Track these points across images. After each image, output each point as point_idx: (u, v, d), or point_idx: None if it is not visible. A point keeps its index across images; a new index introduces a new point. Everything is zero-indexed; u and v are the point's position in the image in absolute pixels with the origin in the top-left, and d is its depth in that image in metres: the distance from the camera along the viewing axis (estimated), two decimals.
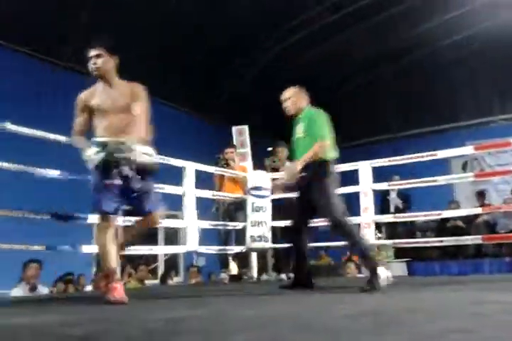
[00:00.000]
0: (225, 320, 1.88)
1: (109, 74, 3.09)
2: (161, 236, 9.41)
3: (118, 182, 2.80)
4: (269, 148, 6.09)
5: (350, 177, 5.39)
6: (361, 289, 3.12)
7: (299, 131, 3.72)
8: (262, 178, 5.74)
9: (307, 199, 3.63)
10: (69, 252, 4.14)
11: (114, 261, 2.76)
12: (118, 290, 2.66)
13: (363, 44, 10.08)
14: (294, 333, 1.49)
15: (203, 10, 8.44)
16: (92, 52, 3.06)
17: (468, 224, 7.34)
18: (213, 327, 1.70)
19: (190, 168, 5.07)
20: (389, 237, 6.86)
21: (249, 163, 6.45)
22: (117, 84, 3.11)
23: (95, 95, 3.06)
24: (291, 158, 6.12)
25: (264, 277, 5.74)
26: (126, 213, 3.07)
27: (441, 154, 4.93)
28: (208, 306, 2.47)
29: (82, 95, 3.12)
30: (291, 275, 5.90)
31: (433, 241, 5.54)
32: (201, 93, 9.59)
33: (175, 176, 5.16)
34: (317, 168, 3.56)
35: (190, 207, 5.02)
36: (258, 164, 6.32)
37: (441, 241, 5.21)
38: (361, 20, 9.53)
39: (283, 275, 5.56)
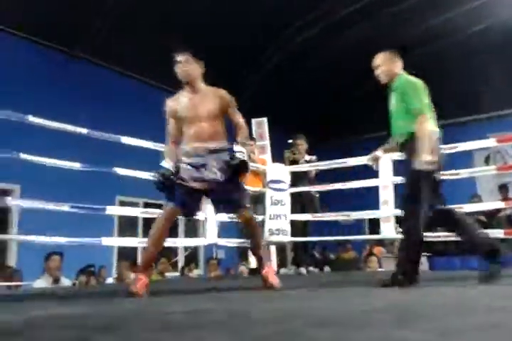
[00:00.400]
0: (243, 314, 1.88)
1: (196, 80, 3.14)
2: (181, 229, 9.47)
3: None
4: (290, 140, 6.07)
5: (371, 171, 5.35)
6: (382, 282, 3.06)
7: (393, 102, 3.33)
8: (280, 171, 5.73)
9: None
10: (91, 244, 4.19)
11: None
12: (139, 283, 2.69)
13: (377, 36, 9.95)
14: (313, 327, 1.49)
15: (218, 8, 8.45)
16: (180, 58, 3.10)
17: (490, 218, 7.23)
18: (231, 321, 1.70)
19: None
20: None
21: (268, 155, 6.44)
22: (202, 89, 3.15)
23: (180, 101, 3.12)
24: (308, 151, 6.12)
25: (283, 271, 5.74)
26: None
27: (463, 146, 4.85)
28: (226, 299, 2.48)
29: (169, 101, 3.18)
30: (311, 268, 5.92)
31: (454, 236, 5.45)
32: (220, 86, 9.59)
33: None
34: (412, 146, 3.07)
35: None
36: (277, 157, 6.31)
37: None
38: (374, 12, 9.43)
39: (302, 269, 5.56)
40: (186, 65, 3.08)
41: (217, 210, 3.31)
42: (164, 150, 3.23)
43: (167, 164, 2.99)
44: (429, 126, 3.11)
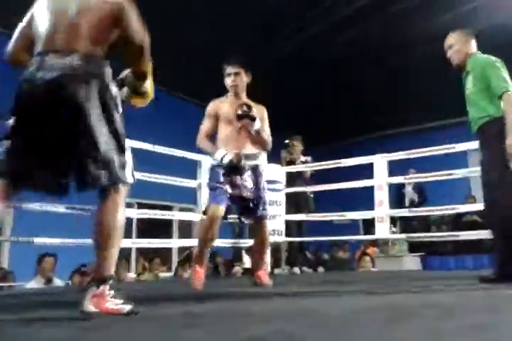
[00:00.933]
0: (237, 314, 1.88)
1: (242, 91, 3.41)
2: (175, 230, 9.46)
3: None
4: (287, 141, 6.08)
5: (369, 170, 5.36)
6: None
7: (469, 85, 3.09)
8: (276, 172, 5.73)
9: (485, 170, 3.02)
10: (84, 245, 4.17)
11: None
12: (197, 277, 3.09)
13: (380, 33, 9.97)
14: (306, 327, 1.48)
15: (214, 8, 8.44)
16: (231, 70, 3.31)
17: (485, 219, 7.25)
18: (225, 321, 1.70)
19: (206, 161, 5.09)
20: (403, 231, 6.81)
21: (264, 156, 6.43)
22: (245, 99, 3.40)
23: (225, 105, 3.31)
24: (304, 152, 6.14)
25: (278, 271, 5.74)
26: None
27: (459, 147, 4.87)
28: (220, 300, 2.48)
29: (213, 103, 3.38)
30: (305, 268, 5.92)
31: (448, 236, 5.49)
32: (215, 88, 9.58)
33: (190, 170, 5.18)
34: (494, 130, 2.85)
35: (204, 200, 5.02)
36: (272, 157, 6.31)
37: (457, 236, 5.16)
38: (372, 13, 9.45)
39: (296, 269, 5.56)
40: (237, 79, 3.30)
41: (240, 218, 3.38)
42: (206, 146, 3.31)
43: (223, 152, 3.13)
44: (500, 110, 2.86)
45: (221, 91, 3.54)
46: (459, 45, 3.15)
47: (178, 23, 8.05)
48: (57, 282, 5.24)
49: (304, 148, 6.13)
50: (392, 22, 9.58)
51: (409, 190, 7.86)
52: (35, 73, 1.78)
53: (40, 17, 1.92)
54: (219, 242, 5.32)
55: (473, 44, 3.19)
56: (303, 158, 6.00)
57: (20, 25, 2.01)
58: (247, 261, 6.28)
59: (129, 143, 4.40)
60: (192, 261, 3.22)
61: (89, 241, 4.03)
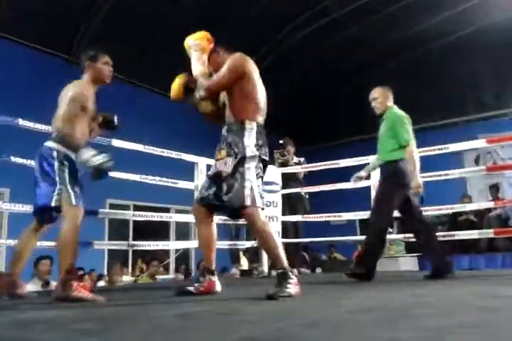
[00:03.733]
0: (232, 315, 1.88)
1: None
2: (172, 232, 9.46)
3: None
4: (281, 141, 6.09)
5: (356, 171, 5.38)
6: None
7: (382, 130, 3.90)
8: (272, 173, 5.73)
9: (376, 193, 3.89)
10: (81, 248, 4.16)
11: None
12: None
13: (367, 39, 10.01)
14: (301, 328, 1.49)
15: (213, 10, 8.47)
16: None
17: (481, 218, 7.28)
18: (220, 322, 1.70)
19: (203, 163, 5.10)
20: (400, 231, 6.82)
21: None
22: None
23: None
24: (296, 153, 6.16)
25: (275, 272, 5.74)
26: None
27: (453, 147, 4.88)
28: (216, 301, 2.48)
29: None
30: (302, 270, 5.93)
31: (444, 236, 5.50)
32: None
33: (187, 171, 5.19)
34: (389, 169, 3.78)
35: None
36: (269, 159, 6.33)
37: (453, 236, 5.17)
38: (365, 15, 9.50)
39: (294, 271, 5.56)
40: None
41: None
42: None
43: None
44: (399, 154, 3.75)
45: None
46: (382, 99, 3.97)
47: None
48: (54, 285, 5.23)
49: (295, 149, 6.15)
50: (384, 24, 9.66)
51: None
52: None
53: None
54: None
55: (391, 98, 4.01)
56: (296, 159, 6.02)
57: None
58: (244, 263, 6.28)
59: (124, 145, 4.42)
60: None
61: (84, 243, 4.06)
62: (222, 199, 2.65)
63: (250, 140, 2.66)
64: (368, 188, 5.13)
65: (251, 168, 2.64)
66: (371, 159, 5.17)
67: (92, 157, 2.69)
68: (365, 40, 10.01)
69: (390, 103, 3.97)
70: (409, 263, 6.84)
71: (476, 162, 10.43)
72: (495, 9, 9.31)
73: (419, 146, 5.11)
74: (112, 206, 8.26)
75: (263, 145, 2.74)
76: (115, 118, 3.11)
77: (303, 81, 10.64)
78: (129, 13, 7.85)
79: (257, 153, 2.67)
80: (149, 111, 8.79)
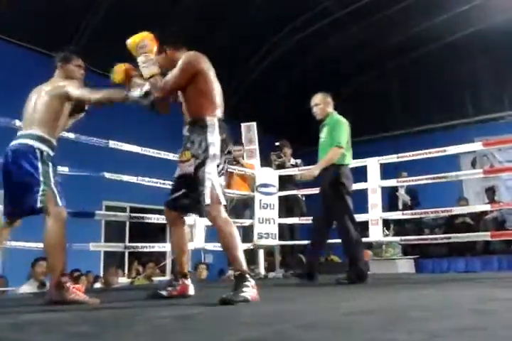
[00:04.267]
0: (230, 318, 1.88)
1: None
2: (168, 234, 9.43)
3: None
4: (277, 143, 6.09)
5: (359, 174, 5.38)
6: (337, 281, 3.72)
7: (323, 135, 4.05)
8: (269, 175, 5.73)
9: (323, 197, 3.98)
10: (77, 250, 4.15)
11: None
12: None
13: (367, 40, 10.03)
14: (300, 330, 1.49)
15: (213, 10, 8.48)
16: None
17: (477, 221, 7.29)
18: (218, 325, 1.70)
19: None
20: (397, 234, 6.83)
21: (257, 159, 6.45)
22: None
23: None
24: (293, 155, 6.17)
25: (272, 274, 5.74)
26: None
27: (450, 150, 4.89)
28: (213, 303, 2.48)
29: None
30: (299, 272, 5.92)
31: (441, 238, 5.51)
32: None
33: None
34: (330, 170, 3.87)
35: None
36: (265, 161, 6.32)
37: (449, 238, 5.18)
38: (366, 15, 9.51)
39: (291, 272, 5.56)
40: None
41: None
42: None
43: None
44: (342, 159, 3.93)
45: None
46: (323, 105, 4.10)
47: None
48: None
49: (292, 151, 6.16)
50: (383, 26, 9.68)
51: (402, 193, 7.89)
52: None
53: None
54: (212, 246, 5.31)
55: (331, 104, 4.14)
56: (293, 161, 6.02)
57: None
58: None
59: (121, 146, 4.42)
60: None
61: (80, 245, 4.05)
62: (191, 199, 2.65)
63: (214, 136, 2.62)
64: (365, 191, 5.14)
65: (213, 167, 2.59)
66: (369, 161, 5.19)
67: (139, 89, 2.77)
68: (364, 42, 10.03)
69: (330, 109, 4.12)
70: (406, 265, 6.84)
71: (473, 165, 10.44)
72: (494, 11, 9.33)
73: (417, 148, 5.14)
74: (108, 208, 8.24)
75: (227, 139, 2.70)
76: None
77: (302, 81, 10.64)
78: (129, 13, 7.85)
79: (219, 152, 2.62)
80: (147, 113, 8.76)
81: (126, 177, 4.46)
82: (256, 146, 6.46)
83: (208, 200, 2.53)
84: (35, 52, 7.92)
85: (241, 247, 2.59)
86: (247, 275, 2.43)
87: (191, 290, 2.77)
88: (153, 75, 2.73)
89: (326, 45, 10.23)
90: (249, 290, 2.35)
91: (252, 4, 8.73)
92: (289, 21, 9.63)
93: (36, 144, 2.72)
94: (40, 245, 3.64)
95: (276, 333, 1.44)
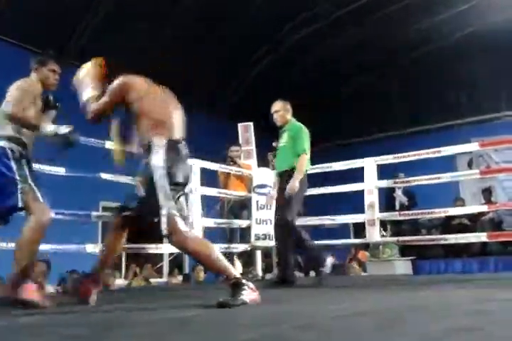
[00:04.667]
0: (228, 320, 1.88)
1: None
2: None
3: None
4: (274, 143, 6.08)
5: (356, 174, 5.38)
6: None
7: (283, 140, 4.20)
8: (266, 176, 5.73)
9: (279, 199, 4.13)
10: (74, 252, 4.14)
11: None
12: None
13: (366, 40, 10.04)
14: (297, 331, 1.49)
15: (213, 10, 8.48)
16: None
17: (474, 222, 7.29)
18: (215, 327, 1.69)
19: (196, 165, 5.09)
20: (394, 235, 6.83)
21: (254, 160, 6.45)
22: None
23: None
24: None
25: (269, 275, 5.73)
26: None
27: (446, 151, 4.90)
28: (211, 305, 2.47)
29: None
30: (296, 273, 5.92)
31: (438, 239, 5.51)
32: (208, 90, 9.60)
33: None
34: (291, 175, 3.99)
35: (196, 204, 5.01)
36: (262, 161, 6.32)
37: (446, 239, 5.18)
38: (365, 16, 9.53)
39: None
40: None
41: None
42: None
43: None
44: (306, 165, 4.09)
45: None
46: (283, 112, 4.23)
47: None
48: (50, 289, 5.19)
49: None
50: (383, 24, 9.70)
51: (399, 194, 7.89)
52: None
53: None
54: None
55: (290, 111, 4.28)
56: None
57: None
58: (238, 267, 6.26)
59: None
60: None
61: (76, 246, 4.04)
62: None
63: (158, 158, 2.48)
64: (362, 192, 5.14)
65: (163, 191, 2.45)
66: (366, 162, 5.20)
67: (58, 127, 2.69)
68: (363, 42, 10.04)
69: (290, 116, 4.26)
70: (403, 266, 6.83)
71: (469, 165, 10.46)
72: (492, 11, 9.34)
73: (414, 149, 5.16)
74: (106, 209, 8.22)
75: (178, 161, 2.56)
76: (51, 98, 3.03)
77: (302, 81, 10.65)
78: (129, 13, 7.85)
79: (165, 172, 2.46)
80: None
81: (123, 178, 4.45)
82: (253, 147, 6.46)
83: (166, 230, 2.43)
84: (33, 52, 7.91)
85: (218, 255, 2.46)
86: (243, 281, 2.36)
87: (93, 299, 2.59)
88: (90, 98, 2.72)
89: (326, 45, 10.23)
90: (248, 294, 2.31)
91: (252, 4, 8.73)
92: (288, 21, 9.63)
93: (6, 145, 2.72)
94: (40, 247, 3.64)
95: (273, 334, 1.44)
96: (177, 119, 2.72)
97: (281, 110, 4.23)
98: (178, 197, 2.56)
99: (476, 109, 10.70)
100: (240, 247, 5.63)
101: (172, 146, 2.55)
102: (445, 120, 10.99)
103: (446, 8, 9.44)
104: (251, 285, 2.37)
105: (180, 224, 2.45)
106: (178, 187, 2.56)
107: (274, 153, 5.99)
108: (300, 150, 4.02)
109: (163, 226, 2.42)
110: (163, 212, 2.43)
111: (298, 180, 3.94)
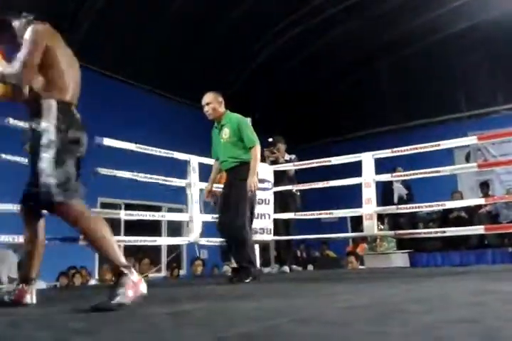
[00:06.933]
0: (225, 313, 1.88)
1: None
2: (164, 230, 9.44)
3: None
4: (270, 139, 6.08)
5: (353, 169, 5.39)
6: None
7: (225, 135, 3.96)
8: (264, 171, 5.73)
9: (229, 194, 3.92)
10: (72, 247, 4.14)
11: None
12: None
13: (362, 35, 10.03)
14: (296, 325, 1.49)
15: (206, 5, 8.45)
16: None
17: (471, 215, 7.32)
18: (215, 320, 1.70)
19: (195, 161, 5.10)
20: (391, 228, 6.86)
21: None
22: None
23: None
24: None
25: (267, 269, 5.75)
26: None
27: (444, 145, 4.91)
28: (209, 299, 2.48)
29: None
30: (294, 267, 5.95)
31: (436, 232, 5.53)
32: (203, 87, 9.58)
33: (179, 169, 5.18)
34: (242, 170, 3.85)
35: (194, 199, 5.02)
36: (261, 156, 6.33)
37: (444, 232, 5.20)
38: (360, 11, 9.51)
39: (285, 268, 5.57)
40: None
41: None
42: None
43: None
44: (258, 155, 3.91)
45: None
46: (215, 104, 3.97)
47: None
48: (40, 284, 5.19)
49: (286, 146, 6.15)
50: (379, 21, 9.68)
51: (398, 186, 7.89)
52: None
53: None
54: (205, 241, 5.31)
55: (223, 103, 4.03)
56: (287, 157, 6.01)
57: None
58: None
59: (114, 143, 4.41)
60: None
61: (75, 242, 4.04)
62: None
63: (49, 121, 2.20)
64: (359, 186, 5.15)
65: (47, 158, 2.16)
66: (364, 156, 5.20)
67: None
68: (357, 38, 10.03)
69: (223, 108, 4.03)
70: (400, 259, 6.87)
71: (467, 159, 10.49)
72: (487, 6, 9.33)
73: (413, 143, 5.16)
74: (104, 205, 8.22)
75: (70, 125, 2.26)
76: None
77: (297, 78, 10.64)
78: (119, 16, 7.83)
79: (54, 138, 2.18)
80: (140, 109, 8.76)
81: (121, 174, 4.46)
82: None
83: (55, 198, 2.14)
84: None
85: (111, 238, 2.20)
86: (126, 272, 2.08)
87: (28, 298, 2.31)
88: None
89: (318, 43, 10.22)
90: (127, 292, 2.03)
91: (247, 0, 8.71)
92: (283, 18, 9.61)
93: None
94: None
95: (271, 328, 1.44)
96: (74, 80, 2.39)
97: (212, 102, 3.98)
98: (73, 163, 2.26)
99: (473, 103, 10.71)
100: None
101: (64, 109, 2.27)
102: (442, 115, 11.00)
103: (442, 4, 9.42)
104: (135, 277, 2.10)
105: (68, 196, 2.17)
106: (72, 147, 2.26)
107: (271, 150, 6.00)
108: (250, 143, 3.87)
109: (46, 196, 2.13)
110: (50, 180, 2.14)
111: (254, 175, 3.80)
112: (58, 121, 2.21)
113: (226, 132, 3.95)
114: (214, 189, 4.40)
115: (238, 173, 3.86)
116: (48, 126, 2.19)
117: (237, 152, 3.89)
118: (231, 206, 3.83)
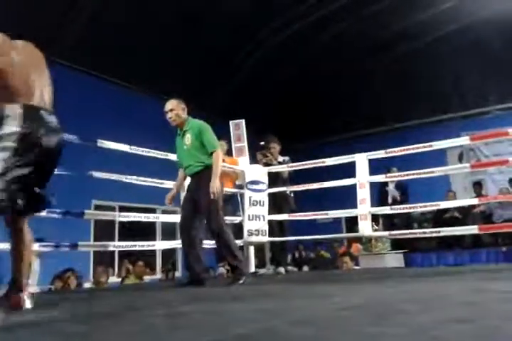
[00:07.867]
0: (221, 315, 1.88)
1: None
2: (158, 232, 9.42)
3: None
4: (262, 142, 6.07)
5: (347, 170, 5.40)
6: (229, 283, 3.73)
7: (188, 141, 4.01)
8: (258, 172, 5.74)
9: (195, 199, 3.94)
10: (65, 249, 4.12)
11: None
12: None
13: (354, 36, 10.05)
14: (291, 326, 1.49)
15: (201, 5, 8.45)
16: None
17: (465, 215, 7.36)
18: (210, 322, 1.70)
19: None
20: (386, 229, 6.88)
21: (245, 157, 6.44)
22: None
23: None
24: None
25: (262, 271, 5.75)
26: None
27: (437, 145, 4.93)
28: (205, 301, 2.48)
29: None
30: (289, 268, 5.95)
31: (430, 232, 5.55)
32: (198, 87, 9.58)
33: (173, 171, 5.17)
34: (206, 174, 3.87)
35: None
36: (254, 158, 6.32)
37: (438, 232, 5.22)
38: (352, 12, 9.53)
39: (281, 269, 5.57)
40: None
41: None
42: None
43: None
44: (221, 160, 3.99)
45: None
46: (178, 111, 4.01)
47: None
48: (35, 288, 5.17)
49: (281, 147, 6.12)
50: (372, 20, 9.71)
51: (391, 189, 7.93)
52: None
53: None
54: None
55: (186, 110, 4.07)
56: (280, 159, 5.98)
57: None
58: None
59: (110, 145, 4.40)
60: None
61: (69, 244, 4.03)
62: None
63: (10, 127, 2.14)
64: (354, 187, 5.16)
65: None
66: (358, 157, 5.22)
67: None
68: (350, 39, 10.06)
69: (185, 115, 4.07)
70: (395, 259, 6.89)
71: (460, 159, 10.54)
72: (478, 6, 9.38)
73: (404, 144, 5.18)
74: (98, 207, 8.20)
75: (37, 128, 2.19)
76: None
77: (291, 79, 10.64)
78: (111, 17, 7.80)
79: (11, 145, 2.11)
80: (134, 112, 8.75)
81: (115, 177, 4.44)
82: (245, 143, 6.45)
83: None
84: None
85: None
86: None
87: (26, 303, 2.26)
88: None
89: (310, 44, 10.23)
90: None
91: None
92: (275, 19, 9.62)
93: None
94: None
95: (266, 329, 1.44)
96: (38, 84, 2.34)
97: (175, 109, 4.02)
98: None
99: (465, 103, 10.76)
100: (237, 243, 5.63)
101: (30, 113, 2.21)
102: (434, 115, 11.05)
103: (433, 4, 9.47)
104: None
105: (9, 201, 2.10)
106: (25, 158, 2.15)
107: (263, 153, 5.99)
108: (211, 148, 3.92)
109: None
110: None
111: (216, 180, 3.80)
112: (22, 126, 2.14)
113: (188, 138, 4.01)
114: None
115: (203, 177, 3.89)
116: (8, 132, 2.12)
117: (200, 157, 3.95)
118: (202, 210, 3.88)
